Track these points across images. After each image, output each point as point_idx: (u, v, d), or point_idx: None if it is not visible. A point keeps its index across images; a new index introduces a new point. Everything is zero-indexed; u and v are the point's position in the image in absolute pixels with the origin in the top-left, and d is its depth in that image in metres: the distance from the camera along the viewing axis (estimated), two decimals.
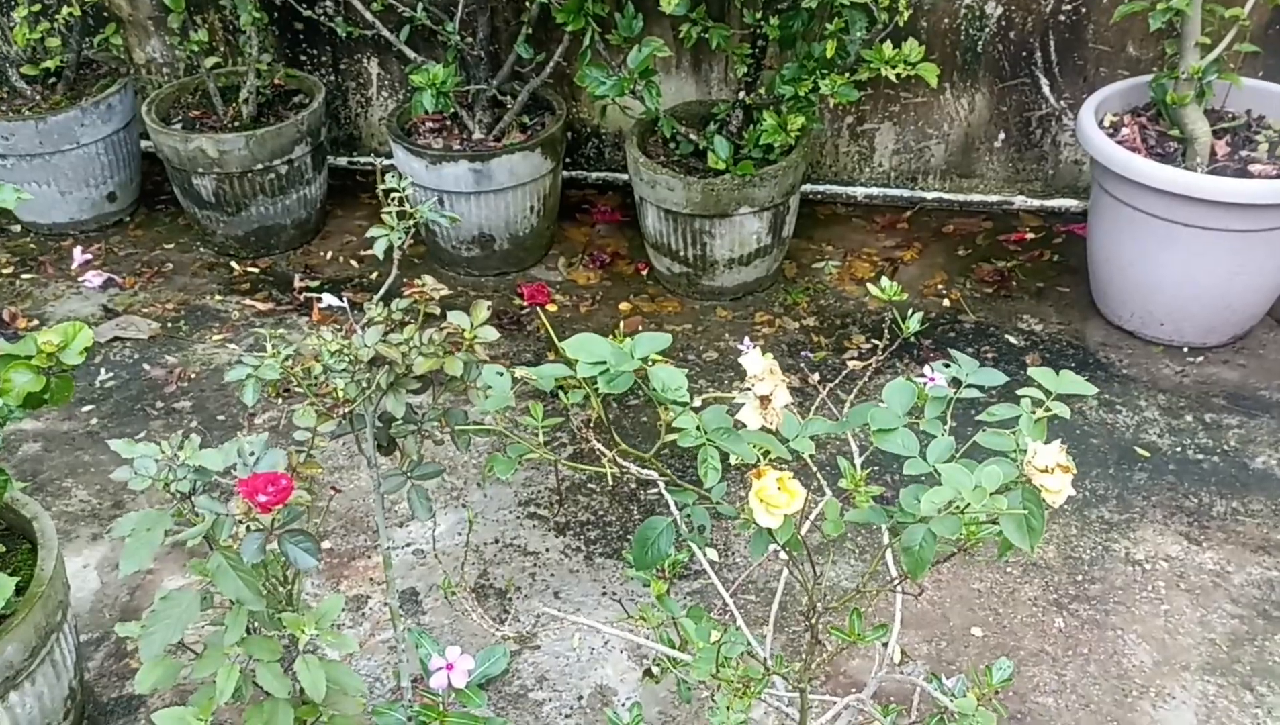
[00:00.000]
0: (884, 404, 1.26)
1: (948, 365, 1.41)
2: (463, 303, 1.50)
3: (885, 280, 1.60)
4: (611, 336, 1.22)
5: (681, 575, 2.50)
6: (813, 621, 1.37)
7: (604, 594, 2.50)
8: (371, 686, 2.31)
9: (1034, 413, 1.30)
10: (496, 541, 2.64)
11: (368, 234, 1.46)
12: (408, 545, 2.62)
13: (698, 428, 1.13)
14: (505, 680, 2.33)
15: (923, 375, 1.42)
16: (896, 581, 1.46)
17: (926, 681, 1.50)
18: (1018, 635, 2.36)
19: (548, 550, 2.61)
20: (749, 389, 1.14)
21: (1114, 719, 2.19)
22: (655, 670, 1.57)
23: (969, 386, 1.30)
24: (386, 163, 3.66)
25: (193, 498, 1.36)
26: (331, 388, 1.45)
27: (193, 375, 3.16)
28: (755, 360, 1.14)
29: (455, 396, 1.56)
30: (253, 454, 1.32)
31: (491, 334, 1.53)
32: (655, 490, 2.75)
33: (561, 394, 1.34)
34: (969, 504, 1.09)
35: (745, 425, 1.14)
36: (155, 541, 1.37)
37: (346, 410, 1.42)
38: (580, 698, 2.29)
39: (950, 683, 1.51)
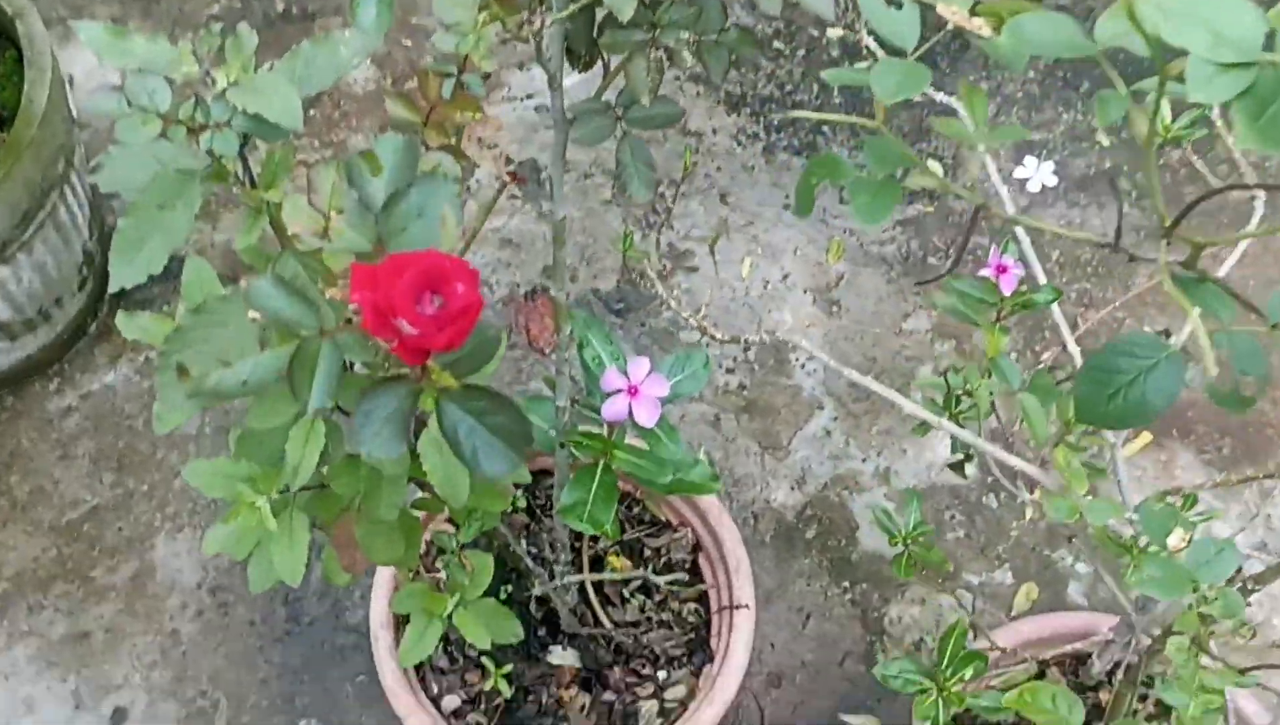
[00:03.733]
0: None
1: None
2: None
3: None
4: None
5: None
6: None
7: (787, 205, 1.87)
8: None
9: None
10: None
11: None
12: (528, 97, 1.95)
13: None
14: (651, 311, 1.78)
15: None
16: None
17: None
18: None
19: (715, 132, 1.94)
20: None
21: None
22: (969, 470, 1.00)
23: None
24: None
25: (244, 156, 0.71)
26: None
27: None
28: None
29: None
30: (380, 160, 0.63)
31: None
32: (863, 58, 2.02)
33: None
34: None
35: None
36: (180, 227, 0.75)
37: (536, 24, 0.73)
38: (747, 348, 1.75)
39: None
